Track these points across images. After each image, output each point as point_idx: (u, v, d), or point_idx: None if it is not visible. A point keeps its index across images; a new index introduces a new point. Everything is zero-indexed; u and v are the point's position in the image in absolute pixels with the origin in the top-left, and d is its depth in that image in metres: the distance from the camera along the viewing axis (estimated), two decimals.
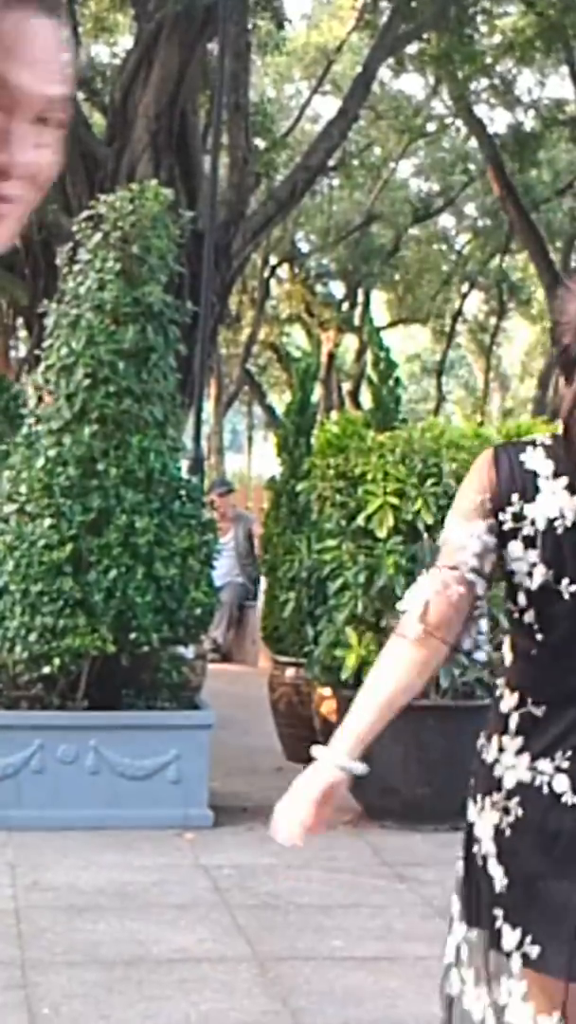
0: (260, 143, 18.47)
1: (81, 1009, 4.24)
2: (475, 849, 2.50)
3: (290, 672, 7.64)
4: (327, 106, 28.16)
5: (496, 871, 2.46)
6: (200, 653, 8.09)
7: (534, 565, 2.43)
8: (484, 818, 2.48)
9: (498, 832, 2.46)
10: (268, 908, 5.22)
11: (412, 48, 19.22)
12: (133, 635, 6.29)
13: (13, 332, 23.24)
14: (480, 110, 23.67)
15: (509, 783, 2.45)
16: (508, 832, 2.45)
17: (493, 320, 35.03)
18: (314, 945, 4.84)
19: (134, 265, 6.51)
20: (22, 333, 21.87)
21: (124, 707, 6.42)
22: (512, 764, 2.45)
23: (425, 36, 18.56)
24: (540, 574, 2.42)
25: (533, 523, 2.43)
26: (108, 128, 16.80)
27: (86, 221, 6.61)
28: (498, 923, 2.45)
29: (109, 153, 15.89)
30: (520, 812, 2.44)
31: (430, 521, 6.31)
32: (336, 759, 2.44)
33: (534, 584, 2.43)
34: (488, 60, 20.15)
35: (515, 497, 2.45)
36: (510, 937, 2.44)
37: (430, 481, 6.39)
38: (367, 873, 5.71)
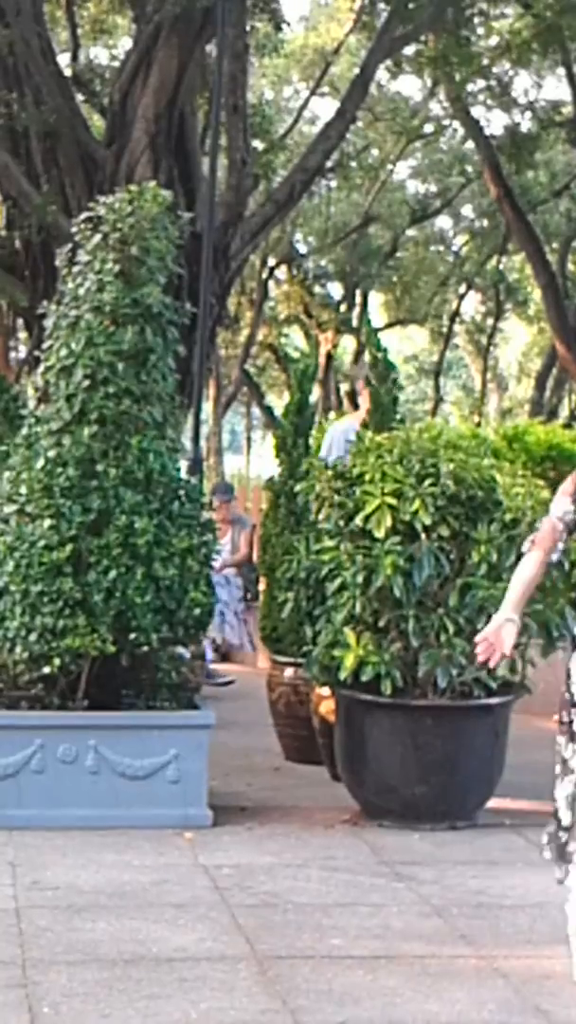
0: (258, 145, 18.49)
1: (81, 1008, 4.26)
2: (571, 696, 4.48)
3: (289, 672, 7.66)
4: (325, 108, 28.25)
5: None
6: (199, 653, 8.11)
7: None
8: None
9: None
10: (267, 907, 5.24)
11: (409, 50, 19.24)
12: (133, 635, 6.31)
13: (13, 333, 23.25)
14: (477, 112, 23.72)
15: None
16: None
17: (490, 321, 35.05)
18: (313, 944, 4.86)
19: (133, 266, 6.53)
20: (22, 334, 21.88)
21: (124, 707, 6.44)
22: None
23: (422, 38, 18.59)
24: None
25: None
26: (107, 130, 16.80)
27: (85, 223, 6.62)
28: None
29: (108, 155, 15.89)
30: None
31: (428, 521, 6.32)
32: (506, 614, 4.48)
33: None
34: (485, 62, 20.20)
35: None
36: None
37: (428, 481, 6.40)
38: (365, 872, 5.73)
